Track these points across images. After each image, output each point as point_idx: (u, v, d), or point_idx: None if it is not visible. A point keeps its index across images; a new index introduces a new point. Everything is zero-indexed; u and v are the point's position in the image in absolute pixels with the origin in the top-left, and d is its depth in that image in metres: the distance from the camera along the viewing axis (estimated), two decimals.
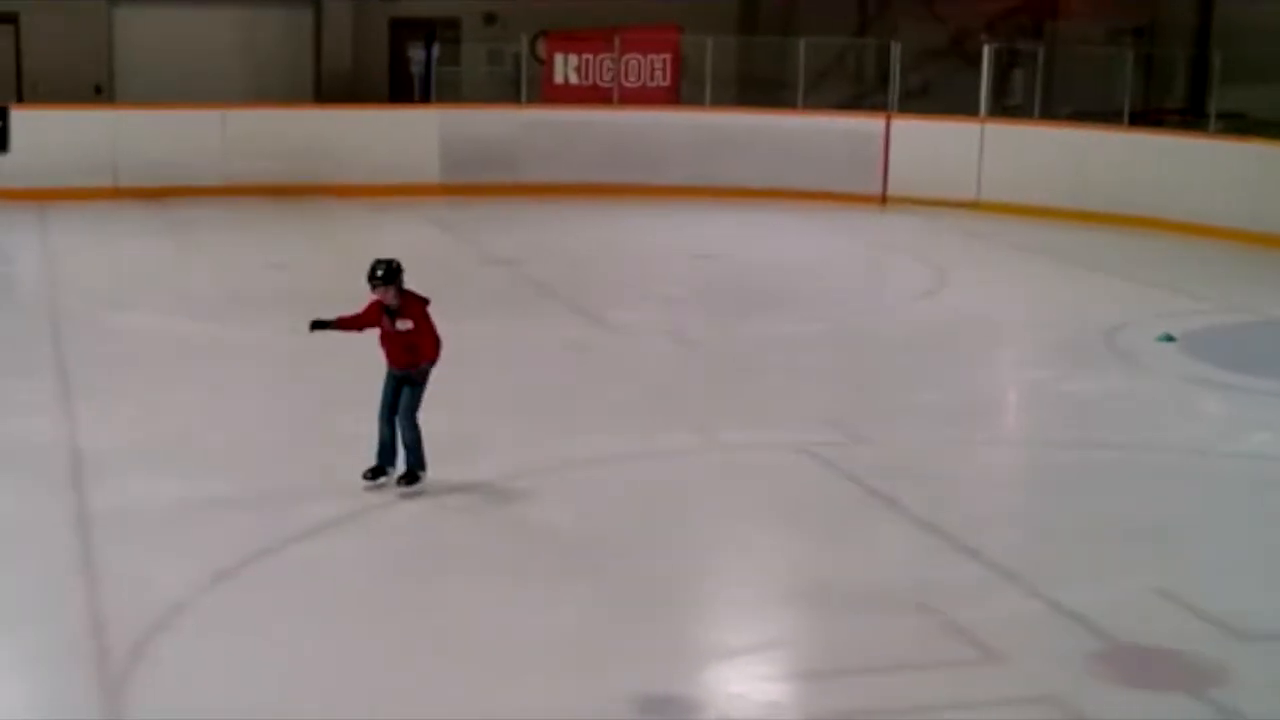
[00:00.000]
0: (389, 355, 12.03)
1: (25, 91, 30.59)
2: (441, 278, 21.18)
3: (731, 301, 20.68)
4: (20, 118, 27.00)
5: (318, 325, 12.25)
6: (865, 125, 28.93)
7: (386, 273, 11.89)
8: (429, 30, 32.41)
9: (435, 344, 12.03)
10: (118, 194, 26.98)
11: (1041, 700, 9.11)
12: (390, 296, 11.89)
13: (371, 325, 12.11)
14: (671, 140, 29.17)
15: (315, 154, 28.01)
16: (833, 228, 26.52)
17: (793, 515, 12.27)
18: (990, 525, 12.17)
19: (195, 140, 27.68)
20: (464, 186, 28.52)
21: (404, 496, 11.98)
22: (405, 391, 12.01)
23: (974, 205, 27.54)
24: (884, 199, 28.51)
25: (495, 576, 10.75)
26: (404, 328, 11.90)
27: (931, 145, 28.39)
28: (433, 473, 12.18)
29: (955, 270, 22.87)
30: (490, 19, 33.81)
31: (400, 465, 12.19)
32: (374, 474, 12.16)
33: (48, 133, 26.99)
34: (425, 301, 12.08)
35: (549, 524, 11.86)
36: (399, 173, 28.51)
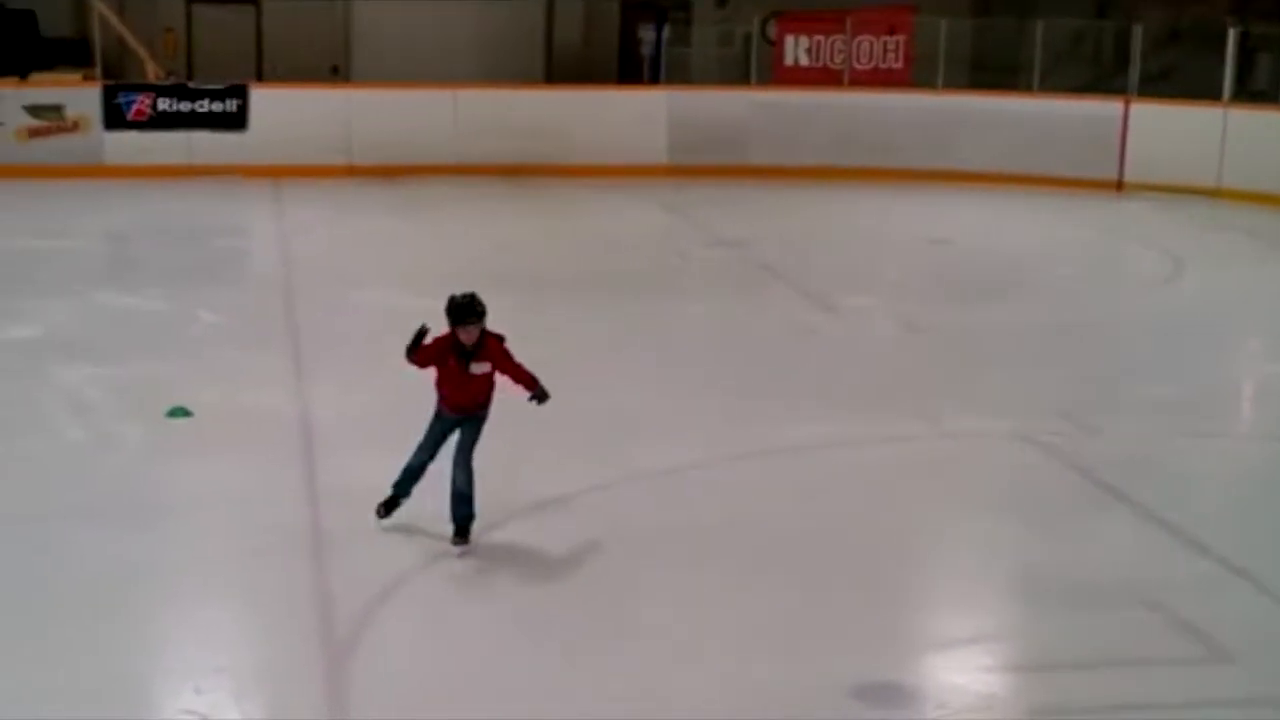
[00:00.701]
0: (449, 399, 10.52)
1: (264, 71, 31.35)
2: (667, 259, 21.38)
3: (962, 288, 20.38)
4: (259, 96, 27.64)
5: (419, 339, 10.54)
6: (1103, 109, 28.26)
7: (483, 309, 10.37)
8: (660, 11, 32.49)
9: (529, 380, 10.69)
10: (351, 171, 27.51)
11: (1274, 701, 8.83)
12: (475, 335, 10.36)
13: (432, 365, 10.59)
14: (903, 123, 28.83)
15: (544, 134, 28.23)
16: (1067, 214, 26.00)
17: (1017, 506, 12.04)
18: (1221, 521, 11.82)
19: (427, 120, 28.08)
20: (691, 168, 28.51)
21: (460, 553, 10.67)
22: (464, 430, 10.58)
23: (1214, 193, 26.74)
24: (1120, 184, 27.85)
25: (714, 561, 10.72)
26: (479, 370, 10.43)
27: (1171, 130, 27.62)
28: (651, 453, 12.18)
29: (1192, 259, 22.28)
30: (721, 1, 33.78)
31: (414, 499, 10.98)
32: (388, 508, 10.90)
33: (285, 111, 27.59)
34: (502, 338, 10.61)
35: (767, 508, 11.79)
36: (627, 154, 28.58)
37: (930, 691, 9.03)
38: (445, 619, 9.81)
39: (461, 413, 10.50)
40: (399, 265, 20.62)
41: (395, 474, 10.87)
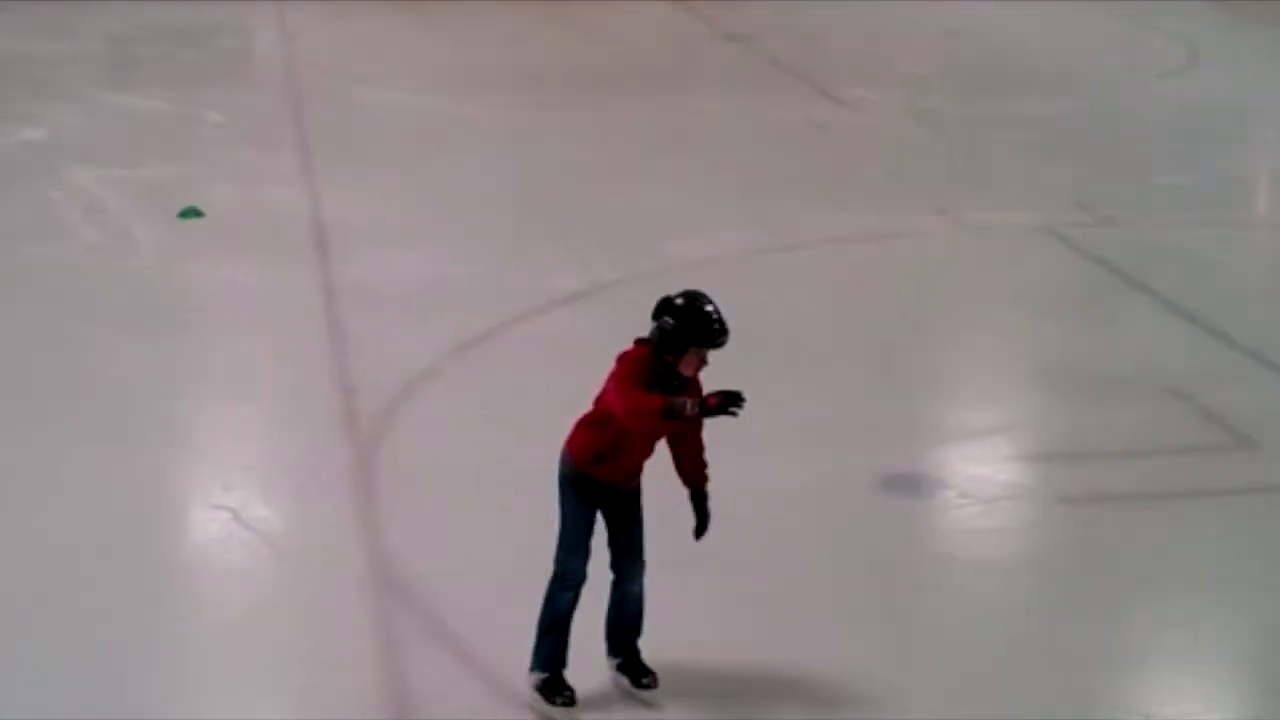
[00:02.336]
0: (627, 462, 6.61)
1: None
2: (676, 55, 21.08)
3: (976, 79, 20.11)
4: None
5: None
6: None
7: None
8: None
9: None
10: None
11: None
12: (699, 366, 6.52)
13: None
14: None
15: None
16: (1082, 3, 25.58)
17: (1039, 297, 12.01)
18: (1245, 310, 11.78)
19: None
20: None
21: None
22: (628, 511, 6.75)
23: None
24: None
25: (734, 358, 10.66)
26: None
27: None
28: (666, 248, 12.14)
29: (1208, 49, 21.95)
30: None
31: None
32: (556, 690, 6.76)
33: None
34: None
35: (786, 302, 11.74)
36: None
37: (956, 481, 9.04)
38: (468, 412, 9.79)
39: (629, 484, 6.66)
40: (405, 63, 20.33)
41: (409, 270, 10.70)
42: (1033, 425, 9.91)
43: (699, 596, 7.43)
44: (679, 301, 6.38)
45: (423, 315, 11.06)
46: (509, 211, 13.86)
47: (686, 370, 6.40)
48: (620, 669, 6.79)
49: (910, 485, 8.94)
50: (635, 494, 6.66)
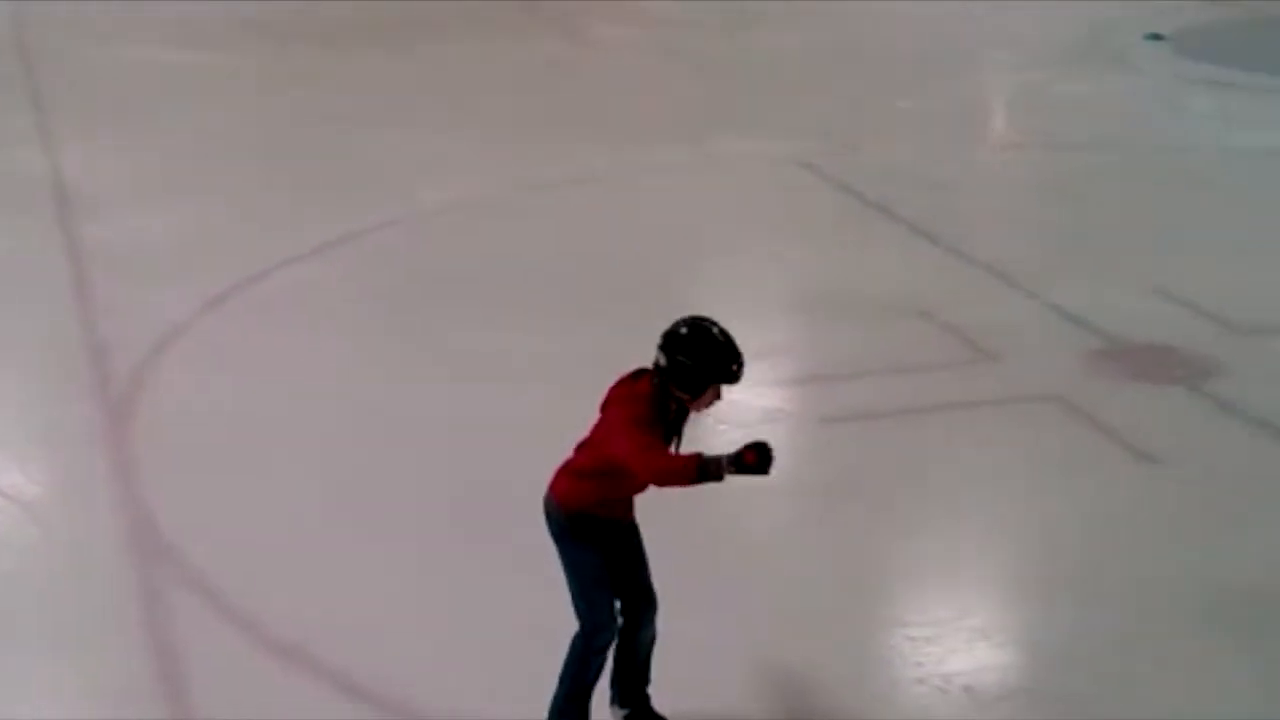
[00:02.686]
0: (628, 498, 6.00)
1: None
2: (428, 5, 20.84)
3: (722, 12, 20.27)
4: None
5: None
6: None
7: None
8: None
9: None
10: None
11: (1045, 398, 9.15)
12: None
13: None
14: None
15: None
16: None
17: (789, 225, 12.21)
18: (986, 230, 12.14)
19: None
20: None
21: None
22: (640, 549, 6.09)
23: None
24: None
25: (485, 296, 10.67)
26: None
27: None
28: (417, 194, 12.08)
29: None
30: None
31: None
32: None
33: None
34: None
35: (536, 241, 11.75)
36: None
37: (715, 408, 9.09)
38: (222, 367, 9.63)
39: (628, 517, 6.04)
40: (149, 19, 19.69)
41: (155, 228, 10.50)
42: (789, 350, 10.05)
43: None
44: (692, 336, 5.71)
45: (173, 272, 10.85)
46: (259, 164, 13.66)
47: (700, 408, 5.79)
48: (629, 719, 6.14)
49: None
50: (635, 527, 5.99)
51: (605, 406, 5.81)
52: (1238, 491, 8.11)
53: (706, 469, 5.45)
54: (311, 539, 7.46)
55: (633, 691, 6.09)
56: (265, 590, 6.93)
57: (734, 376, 5.74)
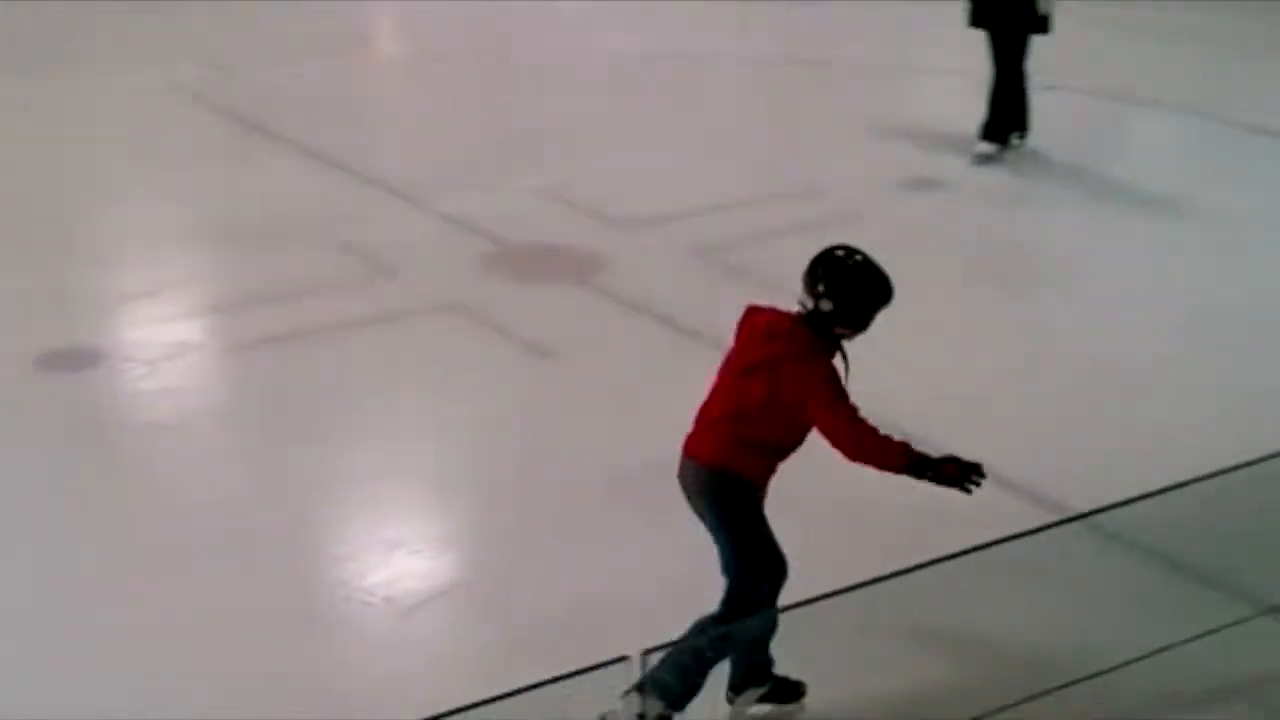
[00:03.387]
0: (779, 460, 5.60)
1: None
2: None
3: None
4: None
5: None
6: None
7: None
8: None
9: None
10: None
11: (447, 307, 9.44)
12: None
13: None
14: None
15: None
16: None
17: (175, 157, 12.07)
18: (376, 147, 12.36)
19: None
20: None
21: None
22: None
23: None
24: None
25: None
26: None
27: None
28: None
29: None
30: None
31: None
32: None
33: None
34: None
35: None
36: None
37: (117, 348, 9.00)
38: None
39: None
40: None
41: None
42: (189, 283, 9.99)
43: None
44: (857, 270, 5.38)
45: None
46: None
47: (845, 340, 5.45)
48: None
49: (71, 360, 8.80)
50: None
51: (757, 369, 5.36)
52: (628, 374, 8.61)
53: (917, 466, 5.24)
54: None
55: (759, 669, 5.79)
56: None
57: (891, 294, 5.44)
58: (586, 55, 14.60)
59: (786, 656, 5.66)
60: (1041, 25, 11.36)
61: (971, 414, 7.89)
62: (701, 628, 5.50)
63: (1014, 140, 11.79)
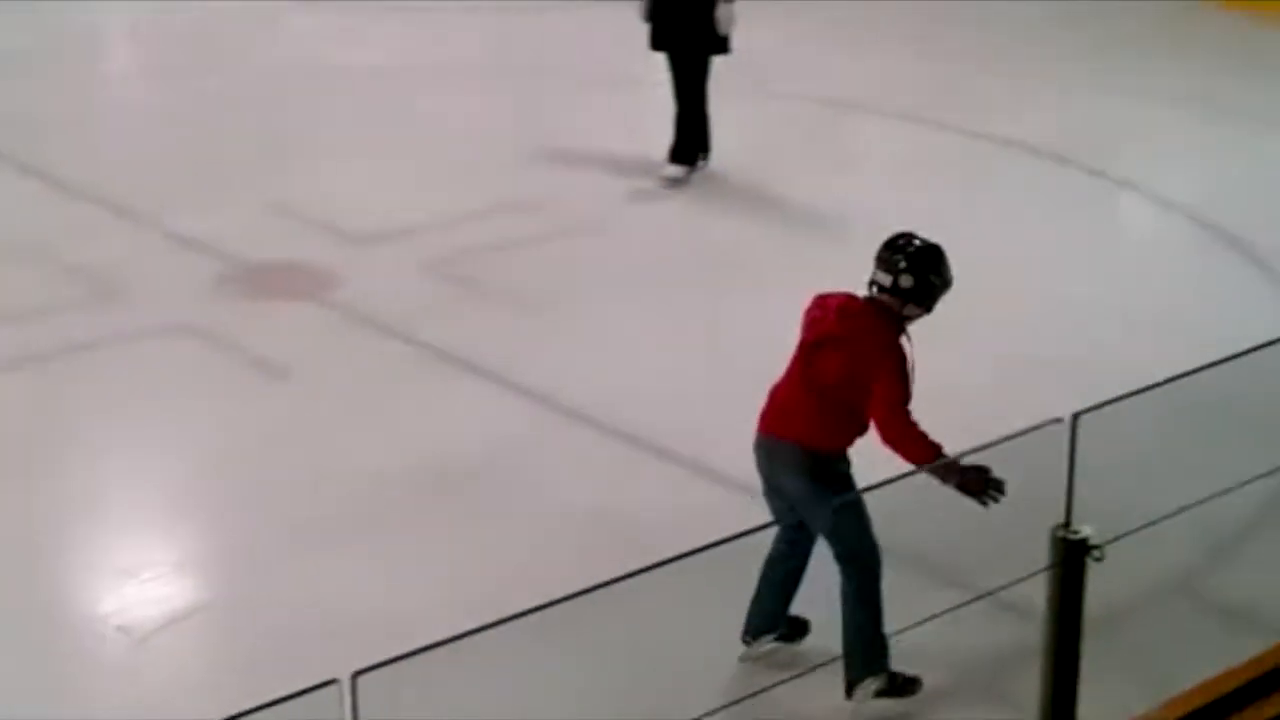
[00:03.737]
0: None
1: None
2: None
3: None
4: None
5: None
6: None
7: None
8: None
9: None
10: None
11: (177, 328, 9.28)
12: None
13: None
14: None
15: None
16: None
17: None
18: (97, 165, 12.02)
19: None
20: None
21: None
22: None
23: None
24: None
25: None
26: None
27: None
28: None
29: None
30: None
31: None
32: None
33: None
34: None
35: None
36: None
37: None
38: None
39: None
40: None
41: None
42: None
43: None
44: (934, 252, 5.79)
45: None
46: None
47: (909, 323, 5.81)
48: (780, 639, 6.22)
49: None
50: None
51: (838, 343, 5.73)
52: (363, 390, 8.58)
53: (941, 467, 5.47)
54: None
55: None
56: None
57: (945, 279, 5.81)
58: (316, 69, 14.42)
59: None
60: (722, 46, 11.34)
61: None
62: (844, 597, 5.79)
63: (700, 162, 11.83)
